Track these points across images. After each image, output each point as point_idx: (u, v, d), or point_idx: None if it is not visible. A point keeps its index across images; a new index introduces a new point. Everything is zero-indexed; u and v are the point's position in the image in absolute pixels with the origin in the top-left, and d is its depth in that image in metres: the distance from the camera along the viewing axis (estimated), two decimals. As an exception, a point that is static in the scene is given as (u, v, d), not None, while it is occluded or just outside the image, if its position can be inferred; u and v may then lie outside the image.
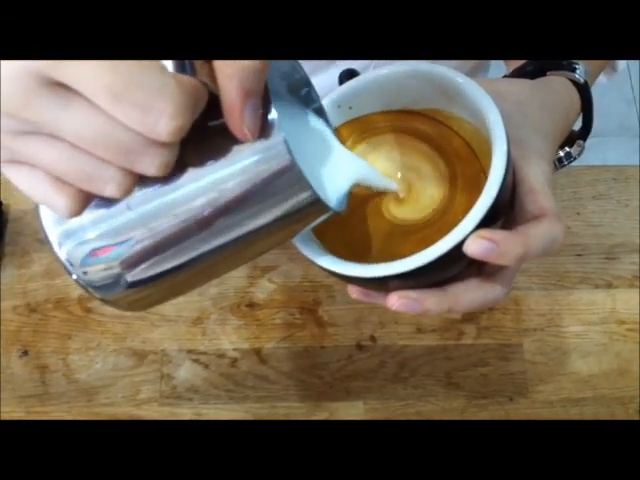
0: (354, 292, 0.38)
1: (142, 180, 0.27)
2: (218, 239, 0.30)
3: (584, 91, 0.43)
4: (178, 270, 0.31)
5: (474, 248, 0.32)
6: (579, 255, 0.64)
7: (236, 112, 0.26)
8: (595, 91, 0.61)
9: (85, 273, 0.31)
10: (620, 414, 0.58)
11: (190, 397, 0.59)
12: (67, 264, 0.31)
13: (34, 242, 0.64)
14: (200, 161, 0.28)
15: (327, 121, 0.36)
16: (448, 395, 0.59)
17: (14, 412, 0.58)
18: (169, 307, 0.62)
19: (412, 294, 0.34)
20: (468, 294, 0.35)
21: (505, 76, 0.47)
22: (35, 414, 0.58)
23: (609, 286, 0.63)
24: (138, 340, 0.61)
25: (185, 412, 0.59)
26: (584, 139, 0.45)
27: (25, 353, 0.60)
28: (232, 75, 0.25)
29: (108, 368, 0.60)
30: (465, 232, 0.32)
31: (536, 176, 0.36)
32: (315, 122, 0.36)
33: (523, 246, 0.32)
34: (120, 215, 0.29)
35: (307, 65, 0.34)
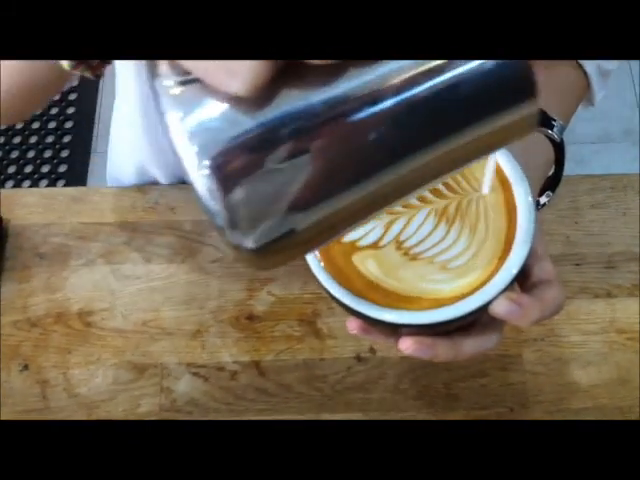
0: (355, 328, 0.38)
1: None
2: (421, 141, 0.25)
3: (559, 148, 0.44)
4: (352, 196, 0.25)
5: (501, 309, 0.33)
6: (578, 264, 0.64)
7: None
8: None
9: (237, 204, 0.23)
10: (621, 424, 0.58)
11: (190, 410, 0.59)
12: (205, 191, 0.22)
13: (34, 257, 0.65)
14: None
15: None
16: (447, 406, 0.59)
17: (15, 427, 0.59)
18: (169, 320, 0.62)
19: (427, 341, 0.35)
20: (471, 344, 0.37)
21: None
22: (36, 428, 0.59)
23: (608, 295, 0.63)
24: (138, 353, 0.61)
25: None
26: (553, 190, 0.46)
27: (25, 368, 0.61)
28: None
29: (108, 382, 0.60)
30: (494, 293, 0.33)
31: (539, 240, 0.37)
32: None
33: (540, 310, 0.34)
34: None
35: None
